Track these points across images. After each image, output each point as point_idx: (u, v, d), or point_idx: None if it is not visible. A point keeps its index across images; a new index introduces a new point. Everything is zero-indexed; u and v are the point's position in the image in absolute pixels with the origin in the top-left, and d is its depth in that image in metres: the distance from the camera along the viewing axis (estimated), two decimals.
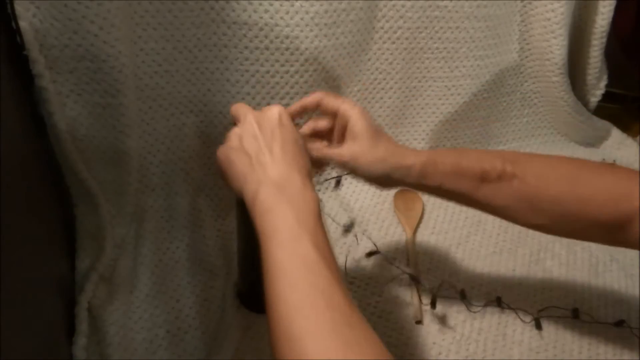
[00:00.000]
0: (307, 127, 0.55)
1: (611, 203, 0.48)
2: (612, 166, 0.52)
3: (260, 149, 0.46)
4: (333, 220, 0.75)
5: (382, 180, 0.52)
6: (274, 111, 0.48)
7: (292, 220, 0.40)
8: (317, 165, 0.55)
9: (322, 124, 0.55)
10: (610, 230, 0.48)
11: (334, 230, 0.74)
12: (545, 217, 0.51)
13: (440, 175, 0.51)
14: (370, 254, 0.69)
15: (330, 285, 0.37)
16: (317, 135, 0.56)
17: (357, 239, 0.72)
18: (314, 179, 0.56)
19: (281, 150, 0.46)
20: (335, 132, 0.54)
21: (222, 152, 0.48)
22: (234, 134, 0.49)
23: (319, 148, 0.53)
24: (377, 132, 0.52)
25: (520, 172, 0.50)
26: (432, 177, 0.51)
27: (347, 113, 0.52)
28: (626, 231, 0.47)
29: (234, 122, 0.51)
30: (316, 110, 0.55)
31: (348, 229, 0.74)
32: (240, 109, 0.50)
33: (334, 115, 0.53)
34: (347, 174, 0.66)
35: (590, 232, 0.51)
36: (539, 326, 0.63)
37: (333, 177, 0.60)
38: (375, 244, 0.70)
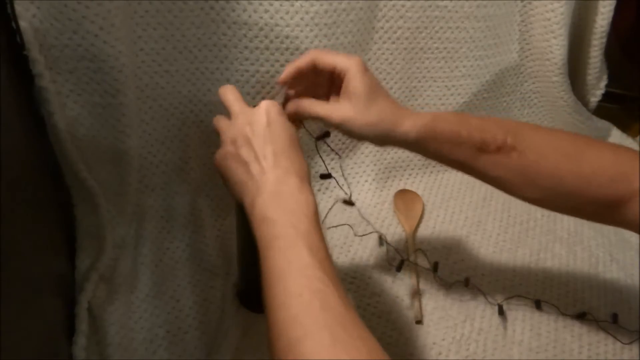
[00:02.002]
0: (289, 70, 0.52)
1: (610, 182, 0.47)
2: (612, 144, 0.51)
3: (254, 156, 0.46)
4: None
5: (376, 142, 0.51)
6: (262, 111, 0.48)
7: (287, 228, 0.41)
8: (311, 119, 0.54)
9: (302, 63, 0.51)
10: (607, 209, 0.48)
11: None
12: (542, 192, 0.50)
13: (438, 143, 0.50)
14: (323, 177, 0.68)
15: (325, 287, 0.37)
16: (302, 82, 0.53)
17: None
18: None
19: (274, 154, 0.45)
20: (333, 87, 0.53)
21: (219, 158, 0.48)
22: (228, 138, 0.48)
23: (310, 105, 0.51)
24: (373, 92, 0.50)
25: (520, 146, 0.49)
26: (429, 145, 0.50)
27: (344, 68, 0.50)
28: (622, 211, 0.47)
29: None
30: (312, 71, 0.52)
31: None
32: (233, 105, 0.49)
33: (332, 72, 0.51)
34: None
35: (586, 210, 0.50)
36: (538, 326, 0.63)
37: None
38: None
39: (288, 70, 0.52)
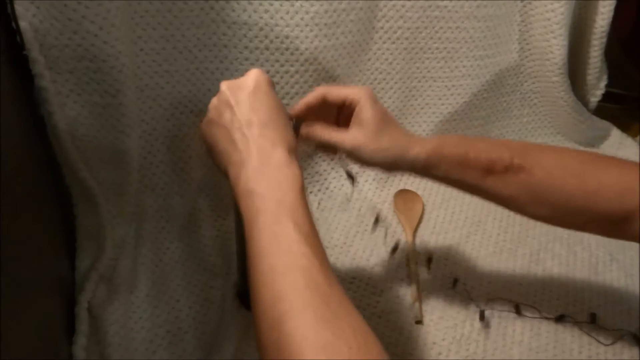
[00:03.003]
0: (299, 107, 0.53)
1: (616, 197, 0.48)
2: (618, 160, 0.51)
3: (238, 123, 0.45)
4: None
5: (385, 168, 0.52)
6: (250, 78, 0.47)
7: (273, 202, 0.40)
8: (325, 150, 0.55)
9: (312, 99, 0.53)
10: (614, 224, 0.48)
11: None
12: (551, 210, 0.51)
13: (446, 165, 0.51)
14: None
15: (310, 264, 0.37)
16: (312, 114, 0.53)
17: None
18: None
19: (260, 123, 0.44)
20: (341, 117, 0.54)
21: (203, 126, 0.48)
22: (212, 106, 0.48)
23: (322, 131, 0.52)
24: (384, 120, 0.51)
25: (528, 165, 0.50)
26: (438, 168, 0.51)
27: (355, 98, 0.51)
28: (629, 225, 0.47)
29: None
30: (321, 104, 0.53)
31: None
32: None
33: (341, 105, 0.52)
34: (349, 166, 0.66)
35: (594, 226, 0.51)
36: (538, 326, 0.63)
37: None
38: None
39: (299, 107, 0.53)
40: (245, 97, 0.46)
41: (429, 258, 0.67)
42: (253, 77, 0.47)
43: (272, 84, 0.49)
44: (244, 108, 0.45)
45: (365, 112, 0.50)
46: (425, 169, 0.52)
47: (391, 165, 0.52)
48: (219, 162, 0.47)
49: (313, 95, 0.53)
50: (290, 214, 0.39)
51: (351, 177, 0.61)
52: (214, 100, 0.48)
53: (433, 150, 0.51)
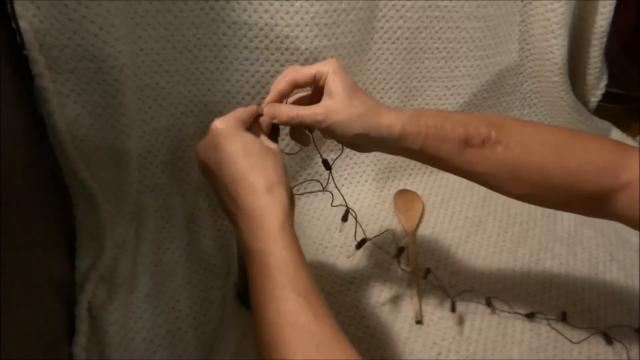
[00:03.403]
0: (272, 96, 0.51)
1: (597, 175, 0.47)
2: (598, 137, 0.50)
3: (221, 185, 0.45)
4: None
5: (360, 141, 0.50)
6: (210, 137, 0.46)
7: (257, 255, 0.41)
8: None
9: (284, 85, 0.51)
10: (595, 202, 0.48)
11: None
12: (528, 187, 0.49)
13: (422, 137, 0.49)
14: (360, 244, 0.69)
15: (297, 306, 0.38)
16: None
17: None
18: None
19: (232, 181, 0.44)
20: (312, 96, 0.53)
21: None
22: (201, 171, 0.49)
23: (289, 109, 0.50)
24: (354, 88, 0.50)
25: (505, 139, 0.48)
26: (413, 139, 0.49)
27: (322, 71, 0.50)
28: (610, 203, 0.47)
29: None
30: (294, 89, 0.52)
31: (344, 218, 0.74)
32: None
33: (312, 82, 0.51)
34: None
35: (573, 203, 0.50)
36: (538, 326, 0.63)
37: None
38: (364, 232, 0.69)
39: (272, 96, 0.51)
40: (213, 159, 0.45)
41: (399, 249, 0.68)
42: (210, 135, 0.46)
43: (241, 123, 0.47)
44: (216, 170, 0.45)
45: (334, 82, 0.49)
46: (400, 140, 0.49)
47: (365, 136, 0.49)
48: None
49: (285, 81, 0.51)
50: (272, 262, 0.41)
51: (327, 165, 0.59)
52: (199, 168, 0.49)
53: (409, 120, 0.49)
